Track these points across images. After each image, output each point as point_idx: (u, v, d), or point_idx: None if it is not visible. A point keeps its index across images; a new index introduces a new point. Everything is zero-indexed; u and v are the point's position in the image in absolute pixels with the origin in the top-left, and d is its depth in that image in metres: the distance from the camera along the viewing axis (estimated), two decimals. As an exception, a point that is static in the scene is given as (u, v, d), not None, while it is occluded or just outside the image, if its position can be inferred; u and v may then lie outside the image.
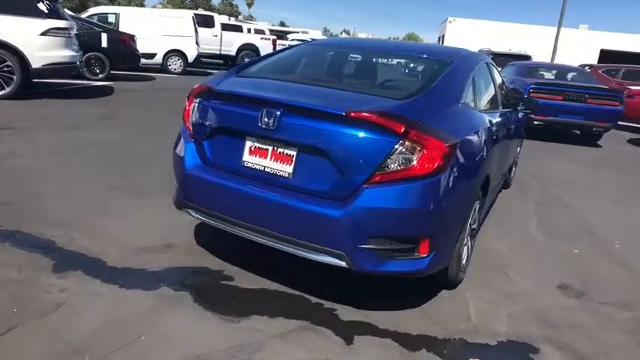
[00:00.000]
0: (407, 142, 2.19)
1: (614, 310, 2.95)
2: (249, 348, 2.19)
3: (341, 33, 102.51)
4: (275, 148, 2.41)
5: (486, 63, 3.71)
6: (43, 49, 7.48)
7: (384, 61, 3.42)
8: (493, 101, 3.66)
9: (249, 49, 17.67)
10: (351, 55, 3.45)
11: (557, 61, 24.74)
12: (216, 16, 17.71)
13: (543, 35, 37.54)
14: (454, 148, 2.33)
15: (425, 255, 2.34)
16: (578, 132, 10.22)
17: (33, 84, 7.95)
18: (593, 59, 36.56)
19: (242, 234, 2.52)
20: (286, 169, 2.38)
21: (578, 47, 36.59)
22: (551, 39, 29.65)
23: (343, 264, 2.29)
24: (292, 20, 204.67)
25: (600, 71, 14.94)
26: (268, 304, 2.57)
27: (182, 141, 2.78)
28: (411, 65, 3.32)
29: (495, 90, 3.82)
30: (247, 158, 2.49)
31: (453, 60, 3.05)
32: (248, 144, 2.49)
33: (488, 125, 3.04)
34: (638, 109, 11.31)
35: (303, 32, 36.86)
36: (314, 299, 2.67)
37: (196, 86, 2.76)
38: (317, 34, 50.07)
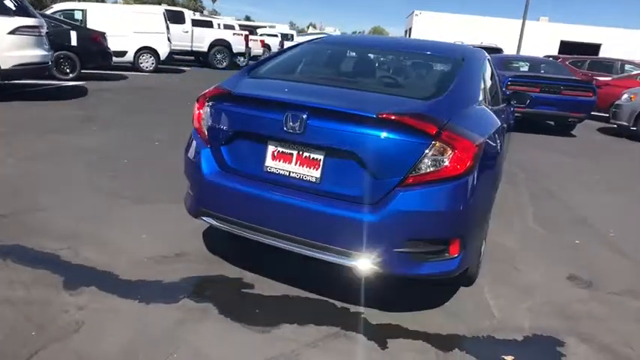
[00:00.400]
0: (438, 144, 2.17)
1: (624, 299, 3.04)
2: (286, 359, 2.14)
3: (307, 27, 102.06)
4: (300, 153, 2.35)
5: (487, 59, 3.74)
6: (12, 48, 7.10)
7: (398, 59, 3.39)
8: (496, 97, 3.70)
9: (221, 44, 17.31)
10: (363, 53, 3.41)
11: (522, 53, 25.44)
12: (186, 11, 17.27)
13: (507, 28, 38.52)
14: (481, 147, 2.34)
15: (455, 255, 2.34)
16: (552, 123, 10.53)
17: (2, 86, 7.54)
18: (554, 50, 37.79)
19: (266, 241, 2.46)
20: (313, 173, 2.32)
21: (540, 39, 37.71)
22: (514, 31, 30.44)
23: (377, 268, 2.26)
24: (258, 14, 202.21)
25: (567, 63, 15.42)
26: (294, 311, 2.52)
27: (195, 146, 2.68)
28: (426, 63, 3.30)
29: (496, 85, 3.86)
30: (270, 163, 2.42)
31: (464, 57, 3.06)
32: (270, 149, 2.41)
33: (500, 122, 3.07)
34: (605, 99, 11.72)
35: (270, 27, 36.48)
36: (338, 303, 2.63)
37: (210, 90, 2.66)
38: (284, 29, 49.68)
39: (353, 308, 2.60)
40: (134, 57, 13.44)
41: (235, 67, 18.78)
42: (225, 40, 17.32)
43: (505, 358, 2.32)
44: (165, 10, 14.68)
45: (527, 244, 3.81)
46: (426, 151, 2.17)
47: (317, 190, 2.32)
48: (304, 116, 2.26)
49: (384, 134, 2.19)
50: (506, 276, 3.20)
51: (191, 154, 2.69)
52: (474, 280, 2.98)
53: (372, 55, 3.42)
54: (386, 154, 2.19)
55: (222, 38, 17.31)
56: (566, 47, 39.32)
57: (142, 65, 13.66)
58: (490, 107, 3.18)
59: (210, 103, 2.61)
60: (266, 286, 2.72)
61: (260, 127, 2.41)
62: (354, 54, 3.46)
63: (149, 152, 5.45)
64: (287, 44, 31.57)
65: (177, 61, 17.23)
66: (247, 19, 77.71)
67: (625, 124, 9.84)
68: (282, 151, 2.39)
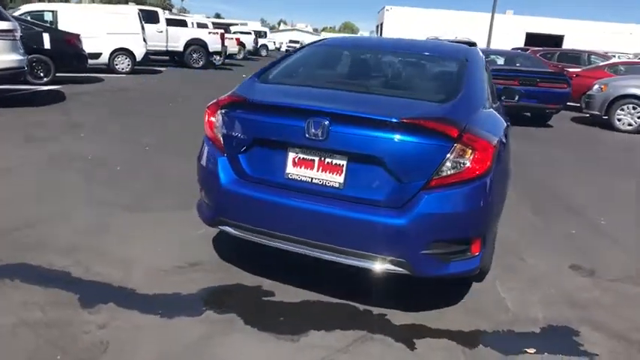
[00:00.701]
0: (460, 146, 2.21)
1: (625, 286, 3.17)
2: (320, 366, 2.15)
3: (278, 24, 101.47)
4: (322, 159, 2.35)
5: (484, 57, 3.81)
6: (-14, 54, 6.82)
7: (405, 60, 3.42)
8: (494, 94, 3.77)
9: (196, 44, 17.03)
10: (369, 55, 3.42)
11: (492, 46, 25.95)
12: (160, 11, 16.91)
13: (477, 21, 39.19)
14: (497, 147, 2.39)
15: (477, 254, 2.39)
16: (528, 114, 10.80)
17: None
18: (521, 42, 38.68)
19: (288, 248, 2.46)
20: (336, 179, 2.33)
21: (506, 32, 38.45)
22: (483, 25, 31.00)
23: (404, 271, 2.29)
24: (228, 12, 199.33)
25: (538, 55, 15.82)
26: (318, 317, 2.53)
27: (210, 155, 2.65)
28: (433, 65, 3.33)
29: (492, 83, 3.94)
30: (291, 170, 2.42)
31: (467, 58, 3.11)
32: (291, 155, 2.41)
33: (505, 120, 3.14)
34: (576, 90, 12.10)
35: (242, 24, 36.19)
36: (360, 306, 2.65)
37: (224, 97, 2.63)
38: (256, 26, 49.31)
39: (375, 310, 2.62)
40: (109, 58, 13.09)
41: (212, 66, 18.56)
42: (201, 40, 17.06)
43: (528, 351, 2.39)
44: (140, 9, 14.34)
45: (528, 235, 3.92)
46: (449, 153, 2.21)
47: (341, 196, 2.33)
48: (326, 122, 2.26)
49: (407, 138, 2.21)
50: (513, 268, 3.28)
51: (206, 162, 2.66)
52: (487, 273, 3.05)
53: (378, 57, 3.44)
54: (410, 157, 2.22)
55: (197, 37, 17.04)
56: (531, 39, 40.30)
57: (117, 67, 13.32)
58: (493, 106, 3.25)
59: (224, 111, 2.58)
60: (286, 293, 2.72)
61: (280, 135, 2.40)
62: (361, 56, 3.47)
63: (140, 158, 5.34)
64: (261, 42, 31.39)
65: (153, 61, 16.88)
66: (217, 16, 76.62)
67: (597, 113, 10.20)
68: (304, 158, 2.38)
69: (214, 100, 2.71)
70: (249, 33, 28.62)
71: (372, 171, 2.28)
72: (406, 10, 44.24)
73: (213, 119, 2.66)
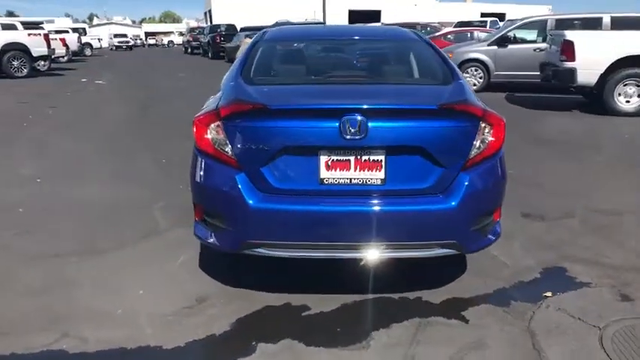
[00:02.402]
0: (483, 124, 2.34)
1: (569, 221, 3.73)
2: (409, 363, 2.13)
3: (90, 18, 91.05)
4: (359, 157, 2.26)
5: None
6: None
7: (375, 46, 3.39)
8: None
9: (16, 48, 14.28)
10: (338, 45, 3.34)
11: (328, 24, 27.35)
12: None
13: (307, 3, 40.70)
14: None
15: (498, 220, 2.59)
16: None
17: None
18: (345, 19, 41.52)
19: (334, 256, 2.35)
20: (377, 175, 2.27)
21: (333, 9, 40.63)
22: (313, 5, 32.47)
23: (453, 251, 2.37)
24: (23, 9, 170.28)
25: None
26: (367, 317, 2.49)
27: (218, 174, 2.34)
28: (400, 46, 3.30)
29: None
30: (325, 175, 2.27)
31: (418, 36, 3.26)
32: (323, 159, 2.26)
33: None
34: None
35: (48, 21, 31.67)
36: (394, 295, 2.67)
37: (227, 107, 2.32)
38: (66, 22, 43.65)
39: (410, 295, 2.67)
40: None
41: (37, 72, 15.93)
42: (21, 43, 14.39)
43: (546, 294, 2.70)
44: None
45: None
46: (478, 132, 2.32)
47: (384, 191, 2.28)
48: (362, 119, 2.17)
49: (445, 123, 2.26)
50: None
51: (216, 184, 2.34)
52: None
53: (347, 46, 3.39)
54: (449, 141, 2.28)
55: (16, 41, 14.30)
56: (353, 15, 43.58)
57: None
58: None
59: (232, 122, 2.29)
60: (320, 303, 2.59)
61: (311, 139, 2.23)
62: (329, 47, 3.37)
63: (33, 193, 4.42)
64: (83, 39, 27.91)
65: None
66: (10, 14, 65.63)
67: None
68: (338, 160, 2.26)
69: (208, 111, 2.39)
70: (67, 31, 25.15)
71: (412, 161, 2.28)
72: (235, -5, 43.58)
73: (210, 134, 2.34)
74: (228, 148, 2.30)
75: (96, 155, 5.77)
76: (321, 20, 17.76)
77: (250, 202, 2.25)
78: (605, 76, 7.94)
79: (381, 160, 2.27)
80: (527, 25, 11.20)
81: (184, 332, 2.34)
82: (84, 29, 32.60)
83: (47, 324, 2.40)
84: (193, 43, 32.16)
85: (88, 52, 29.07)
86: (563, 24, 10.22)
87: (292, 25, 8.49)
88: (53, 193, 4.41)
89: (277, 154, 2.26)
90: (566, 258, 3.12)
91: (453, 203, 2.26)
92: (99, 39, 38.85)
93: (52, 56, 16.54)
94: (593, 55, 7.99)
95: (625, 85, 7.97)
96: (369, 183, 2.29)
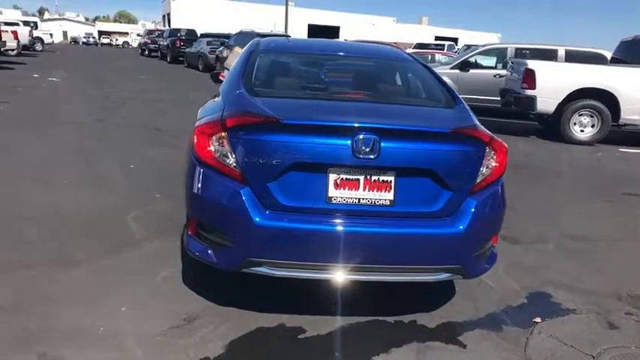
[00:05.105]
0: (488, 149, 2.37)
1: (543, 246, 3.86)
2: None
3: (40, 12, 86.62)
4: (368, 177, 2.22)
5: None
6: None
7: (371, 64, 3.36)
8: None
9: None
10: (335, 61, 3.31)
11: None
12: None
13: (268, 13, 40.80)
14: None
15: (495, 245, 2.62)
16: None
17: None
18: (304, 33, 41.99)
19: (333, 277, 2.28)
20: (386, 196, 2.24)
21: (293, 23, 41.08)
22: (273, 17, 32.51)
23: (457, 276, 2.37)
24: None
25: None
26: (365, 340, 2.43)
27: (221, 187, 2.23)
28: (397, 66, 3.31)
29: None
30: (334, 193, 2.21)
31: (416, 59, 3.29)
32: (332, 177, 2.20)
33: None
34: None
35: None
36: (389, 318, 2.63)
37: (233, 118, 2.22)
38: (15, 15, 41.60)
39: (404, 318, 2.64)
40: None
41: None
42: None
43: (536, 320, 2.74)
44: None
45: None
46: (484, 158, 2.35)
47: (392, 213, 2.25)
48: (377, 138, 2.14)
49: (455, 147, 2.27)
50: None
51: (217, 198, 2.22)
52: None
53: (344, 62, 3.38)
54: (458, 165, 2.29)
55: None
56: (312, 29, 44.16)
57: None
58: None
59: (238, 134, 2.19)
60: (313, 325, 2.51)
61: (321, 156, 2.17)
62: (328, 61, 3.31)
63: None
64: (34, 34, 26.48)
65: None
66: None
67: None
68: (347, 178, 2.21)
69: (211, 121, 2.28)
70: (18, 24, 23.80)
71: (421, 183, 2.27)
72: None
73: (213, 145, 2.23)
74: (233, 161, 2.20)
75: (59, 157, 5.41)
76: (284, 33, 17.73)
77: (257, 219, 2.15)
78: (562, 105, 8.40)
79: (391, 181, 2.24)
80: (488, 52, 11.68)
81: (176, 355, 2.19)
82: (35, 23, 31.01)
83: (30, 350, 2.16)
84: (151, 45, 31.36)
85: (38, 46, 27.58)
86: (522, 53, 10.77)
87: (280, 37, 8.41)
88: (15, 197, 4.07)
89: (286, 170, 2.18)
90: (547, 283, 3.20)
91: (461, 227, 2.26)
92: (50, 34, 37.05)
93: (2, 49, 15.54)
94: (552, 84, 8.44)
95: (580, 115, 8.47)
96: (377, 204, 2.25)
